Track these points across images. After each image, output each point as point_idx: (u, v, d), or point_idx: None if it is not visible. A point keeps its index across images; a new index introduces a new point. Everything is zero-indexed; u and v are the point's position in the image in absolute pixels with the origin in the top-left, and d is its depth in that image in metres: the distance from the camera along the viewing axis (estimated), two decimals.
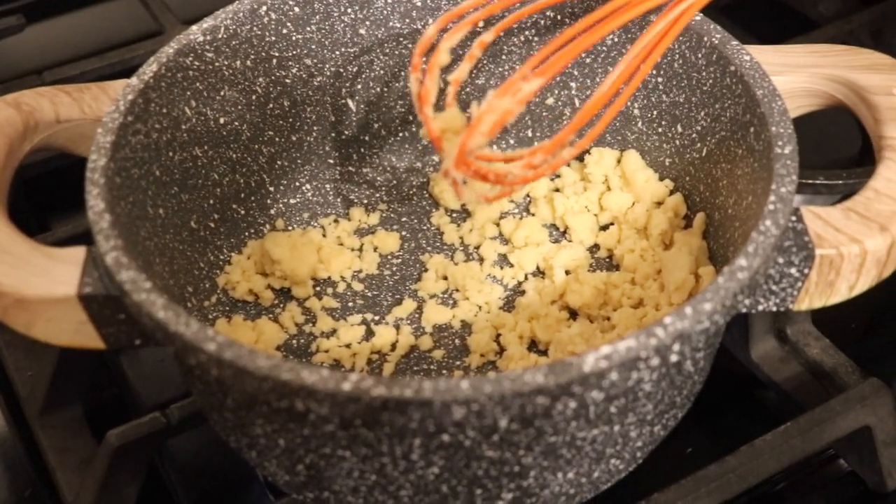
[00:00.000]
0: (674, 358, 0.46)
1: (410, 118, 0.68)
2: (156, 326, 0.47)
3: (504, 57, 0.66)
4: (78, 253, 0.51)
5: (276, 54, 0.64)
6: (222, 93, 0.62)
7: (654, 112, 0.63)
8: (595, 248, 0.65)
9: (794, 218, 0.51)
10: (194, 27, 0.60)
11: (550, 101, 0.66)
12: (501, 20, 0.56)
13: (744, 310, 0.51)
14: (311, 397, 0.44)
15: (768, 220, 0.49)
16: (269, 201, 0.66)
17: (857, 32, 0.76)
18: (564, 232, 0.65)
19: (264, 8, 0.62)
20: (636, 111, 0.64)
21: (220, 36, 0.61)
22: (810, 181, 0.66)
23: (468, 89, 0.65)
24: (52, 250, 0.52)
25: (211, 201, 0.63)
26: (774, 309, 0.52)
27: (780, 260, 0.51)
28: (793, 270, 0.51)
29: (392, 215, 0.67)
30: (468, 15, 0.56)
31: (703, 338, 0.47)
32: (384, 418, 0.44)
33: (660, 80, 0.62)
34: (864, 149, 0.73)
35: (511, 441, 0.47)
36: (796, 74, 0.58)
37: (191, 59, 0.60)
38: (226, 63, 0.62)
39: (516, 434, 0.47)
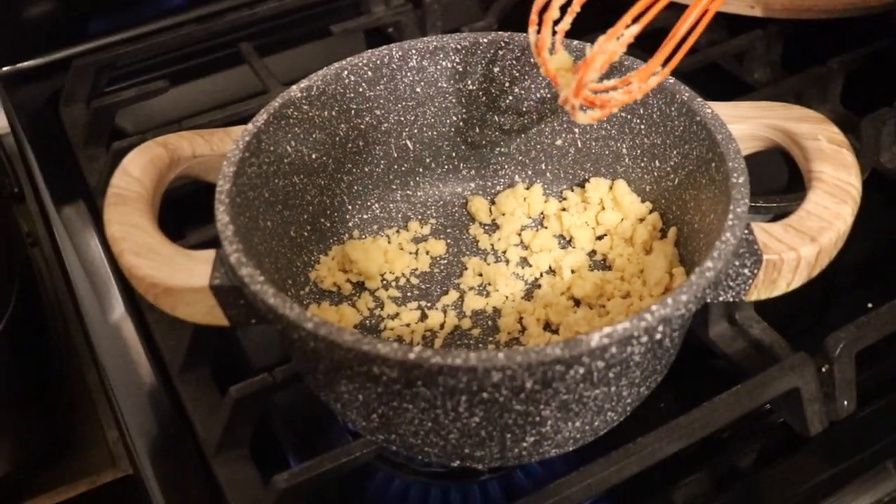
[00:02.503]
0: (658, 336, 0.45)
1: (453, 155, 0.67)
2: (267, 310, 0.47)
3: None
4: (209, 254, 0.51)
5: (354, 106, 0.63)
6: (314, 135, 0.61)
7: (638, 151, 0.63)
8: (593, 253, 0.64)
9: (747, 231, 0.51)
10: (294, 87, 0.60)
11: (559, 142, 0.66)
12: None
13: (709, 300, 0.51)
14: (385, 364, 0.44)
15: (728, 232, 0.49)
16: (347, 216, 0.65)
17: (783, 95, 0.76)
18: (570, 241, 0.65)
19: (345, 72, 0.62)
20: (624, 150, 0.63)
21: (313, 92, 0.60)
22: (752, 203, 0.65)
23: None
24: (190, 252, 0.52)
25: (305, 216, 0.62)
26: (731, 300, 0.52)
27: (736, 263, 0.50)
28: (745, 271, 0.51)
29: (440, 227, 0.67)
30: None
31: (680, 321, 0.46)
32: (439, 380, 0.44)
33: (642, 126, 0.61)
34: (790, 181, 0.73)
35: (534, 398, 0.47)
36: (745, 123, 0.58)
37: (291, 110, 0.59)
38: (316, 113, 0.61)
39: (538, 393, 0.46)
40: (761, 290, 0.52)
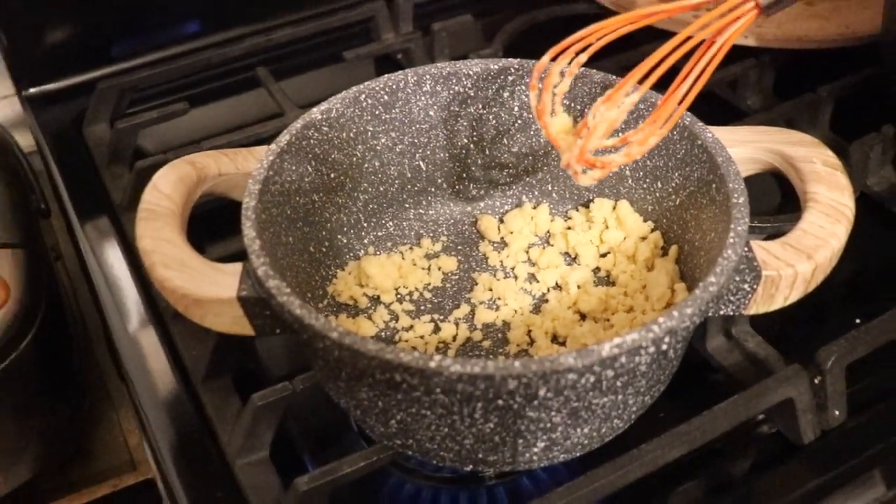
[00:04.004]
0: (664, 346, 0.46)
1: (464, 176, 0.68)
2: (294, 319, 0.47)
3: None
4: (236, 267, 0.52)
5: (371, 129, 0.63)
6: (333, 155, 0.62)
7: (641, 173, 0.63)
8: (597, 269, 0.64)
9: (747, 248, 0.51)
10: (314, 109, 0.61)
11: None
12: (591, 46, 0.55)
13: (711, 313, 0.52)
14: (406, 372, 0.44)
15: (729, 249, 0.49)
16: (363, 233, 0.66)
17: (775, 120, 0.76)
18: (575, 258, 0.65)
19: (363, 95, 0.62)
20: (627, 172, 0.64)
21: (332, 115, 0.61)
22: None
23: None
24: (218, 265, 0.52)
25: (323, 233, 0.63)
26: (731, 313, 0.53)
27: (737, 278, 0.51)
28: (745, 286, 0.51)
29: (451, 244, 0.67)
30: (570, 48, 0.56)
31: (685, 332, 0.47)
32: (458, 387, 0.44)
33: None
34: (782, 202, 0.73)
35: (546, 405, 0.47)
36: (744, 147, 0.58)
37: (311, 131, 0.60)
38: (335, 134, 0.62)
39: (550, 400, 0.47)
40: (760, 305, 0.53)
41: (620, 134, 0.57)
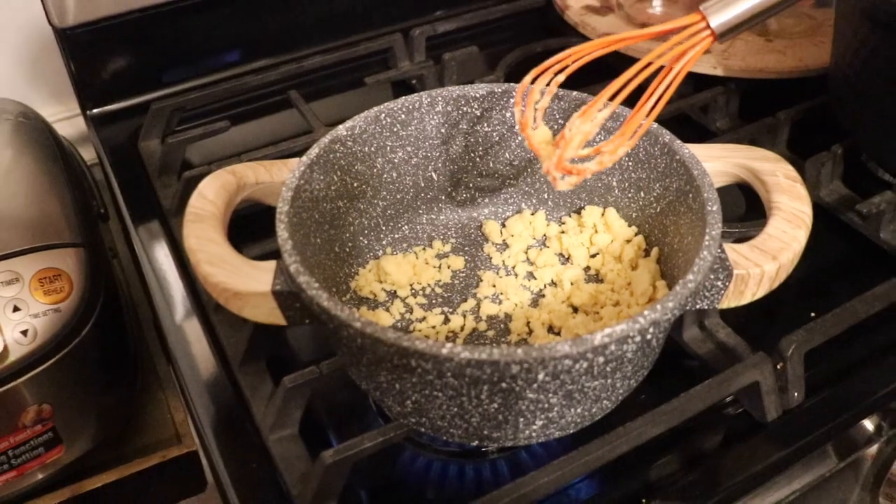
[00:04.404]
0: (648, 336, 0.45)
1: (470, 185, 0.67)
2: (322, 311, 0.46)
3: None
4: (271, 264, 0.51)
5: (389, 143, 0.62)
6: (356, 167, 0.61)
7: (626, 184, 0.62)
8: (588, 268, 0.63)
9: (720, 250, 0.50)
10: (340, 126, 0.60)
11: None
12: (567, 68, 0.55)
13: (688, 307, 0.50)
14: (421, 358, 0.43)
15: (705, 251, 0.49)
16: (381, 235, 0.65)
17: (741, 139, 0.76)
18: (568, 258, 0.64)
19: (383, 114, 0.61)
20: (614, 183, 0.63)
21: (355, 131, 0.60)
22: None
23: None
24: (255, 262, 0.51)
25: (347, 234, 0.61)
26: (706, 307, 0.52)
27: (711, 276, 0.50)
28: (718, 283, 0.51)
29: (459, 245, 0.66)
30: (549, 69, 0.55)
31: (666, 324, 0.46)
32: (466, 372, 0.43)
33: (630, 163, 0.61)
34: (747, 210, 0.72)
35: (545, 388, 0.46)
36: (716, 162, 0.57)
37: (338, 145, 0.59)
38: (358, 148, 0.61)
39: (548, 383, 0.46)
40: (731, 300, 0.52)
41: (595, 145, 0.56)
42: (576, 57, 0.55)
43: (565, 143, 0.51)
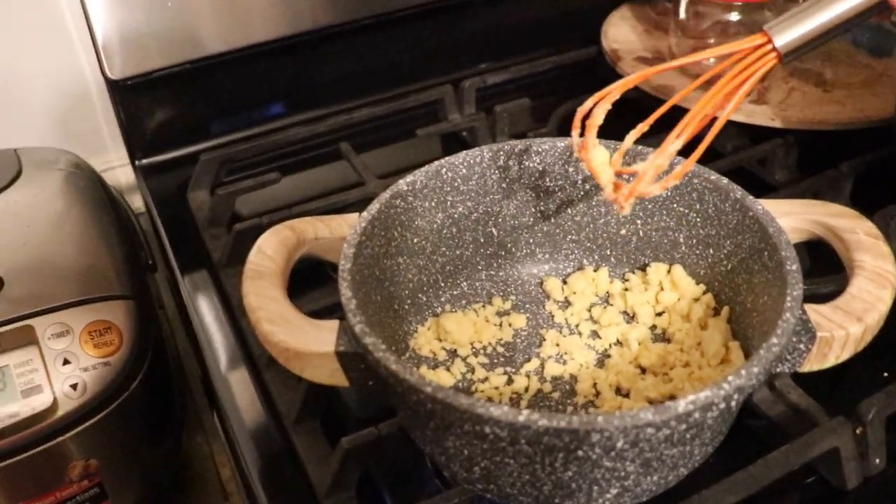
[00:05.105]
0: (732, 403, 0.43)
1: (531, 241, 0.66)
2: (390, 374, 0.45)
3: None
4: (333, 324, 0.50)
5: (450, 198, 0.61)
6: (416, 222, 0.60)
7: (694, 241, 0.60)
8: (654, 327, 0.61)
9: (802, 311, 0.49)
10: (401, 181, 0.59)
11: (623, 231, 0.64)
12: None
13: (772, 371, 0.48)
14: (496, 425, 0.42)
15: (787, 312, 0.47)
16: (440, 292, 0.63)
17: (802, 193, 0.74)
18: (633, 316, 0.62)
19: (444, 169, 0.60)
20: (681, 239, 0.61)
21: (416, 186, 0.59)
22: None
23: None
24: (317, 321, 0.50)
25: (406, 292, 0.60)
26: (787, 370, 0.50)
27: (794, 339, 0.49)
28: (801, 346, 0.49)
29: (519, 303, 0.64)
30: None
31: (751, 390, 0.44)
32: (543, 440, 0.41)
33: (698, 219, 0.59)
34: (812, 267, 0.70)
35: (622, 456, 0.44)
36: (790, 218, 0.56)
37: (398, 200, 0.58)
38: (419, 203, 0.60)
39: (626, 451, 0.44)
40: (813, 363, 0.50)
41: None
42: (636, 81, 0.54)
43: (640, 177, 0.51)
